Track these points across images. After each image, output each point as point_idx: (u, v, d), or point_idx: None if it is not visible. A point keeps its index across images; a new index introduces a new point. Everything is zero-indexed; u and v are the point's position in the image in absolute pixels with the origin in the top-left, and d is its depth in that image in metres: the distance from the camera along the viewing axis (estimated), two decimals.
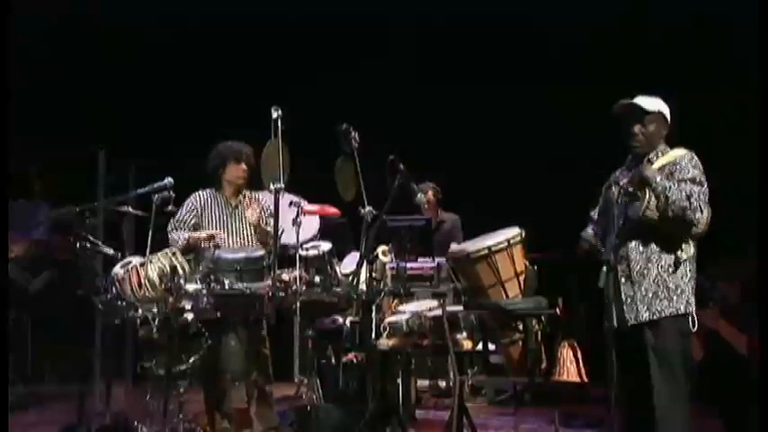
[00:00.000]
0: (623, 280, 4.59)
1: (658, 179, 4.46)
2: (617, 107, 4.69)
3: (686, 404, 4.52)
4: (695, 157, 4.61)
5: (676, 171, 4.55)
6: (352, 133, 5.46)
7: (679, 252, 4.56)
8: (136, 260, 5.35)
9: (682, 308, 4.56)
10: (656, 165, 4.59)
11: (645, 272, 4.57)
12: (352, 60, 9.38)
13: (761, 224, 4.86)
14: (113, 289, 5.27)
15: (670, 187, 4.44)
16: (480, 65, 9.36)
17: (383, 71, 9.24)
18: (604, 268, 4.52)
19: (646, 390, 4.49)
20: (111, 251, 5.71)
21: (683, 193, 4.44)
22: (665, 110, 4.72)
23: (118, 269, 5.33)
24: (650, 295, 4.55)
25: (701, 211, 4.48)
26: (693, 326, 4.55)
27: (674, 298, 4.55)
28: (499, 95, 9.08)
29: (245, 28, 9.40)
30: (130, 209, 5.98)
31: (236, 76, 9.32)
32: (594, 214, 4.95)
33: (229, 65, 9.39)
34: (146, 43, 9.26)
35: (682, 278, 4.58)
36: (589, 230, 4.91)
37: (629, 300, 4.58)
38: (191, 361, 5.33)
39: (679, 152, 4.63)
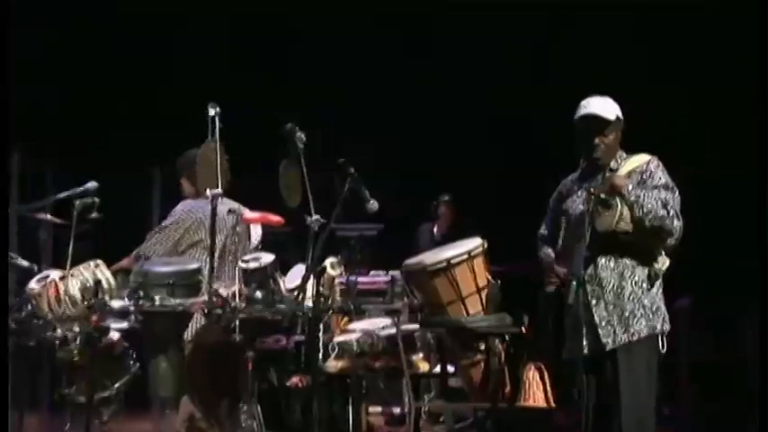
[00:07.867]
0: (594, 301, 4.44)
1: (630, 188, 4.34)
2: (577, 121, 4.53)
3: (652, 421, 4.42)
4: (661, 163, 4.52)
5: (648, 178, 4.45)
6: (298, 133, 5.20)
7: (653, 266, 4.46)
8: (54, 274, 5.15)
9: (658, 326, 4.43)
10: (622, 172, 4.47)
11: (619, 290, 4.44)
12: (292, 52, 9.32)
13: (760, 228, 4.74)
14: (28, 306, 5.11)
15: (644, 196, 4.33)
16: (458, 66, 9.39)
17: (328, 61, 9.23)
18: (574, 283, 4.33)
19: (615, 411, 4.35)
20: (25, 263, 5.56)
21: (659, 202, 4.34)
22: (619, 111, 4.59)
23: (33, 284, 5.15)
24: (626, 314, 4.42)
25: (678, 219, 4.38)
26: (663, 347, 4.44)
27: (651, 316, 4.44)
28: (463, 98, 9.18)
29: (176, 21, 9.24)
30: (49, 216, 5.83)
31: (169, 70, 9.17)
32: (545, 231, 4.80)
33: (160, 58, 9.22)
34: (65, 35, 9.03)
35: (657, 294, 4.48)
36: (548, 251, 4.73)
37: (603, 322, 4.42)
38: (115, 386, 5.18)
39: (644, 157, 4.53)
